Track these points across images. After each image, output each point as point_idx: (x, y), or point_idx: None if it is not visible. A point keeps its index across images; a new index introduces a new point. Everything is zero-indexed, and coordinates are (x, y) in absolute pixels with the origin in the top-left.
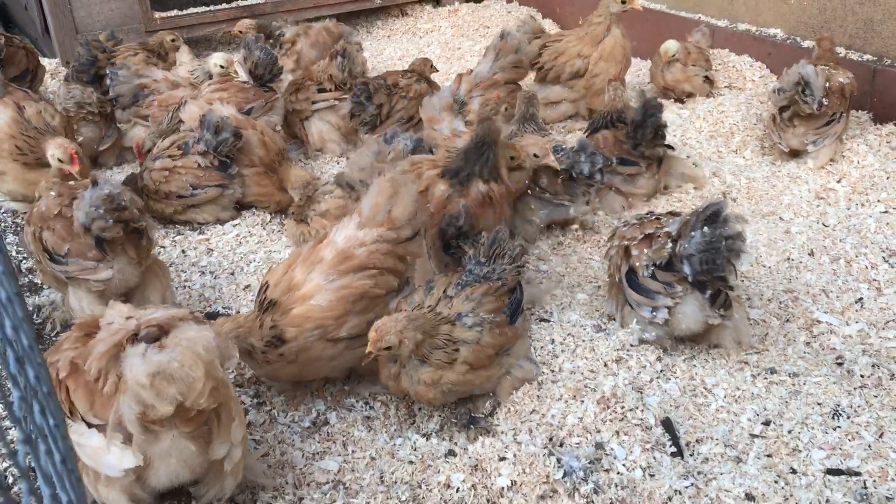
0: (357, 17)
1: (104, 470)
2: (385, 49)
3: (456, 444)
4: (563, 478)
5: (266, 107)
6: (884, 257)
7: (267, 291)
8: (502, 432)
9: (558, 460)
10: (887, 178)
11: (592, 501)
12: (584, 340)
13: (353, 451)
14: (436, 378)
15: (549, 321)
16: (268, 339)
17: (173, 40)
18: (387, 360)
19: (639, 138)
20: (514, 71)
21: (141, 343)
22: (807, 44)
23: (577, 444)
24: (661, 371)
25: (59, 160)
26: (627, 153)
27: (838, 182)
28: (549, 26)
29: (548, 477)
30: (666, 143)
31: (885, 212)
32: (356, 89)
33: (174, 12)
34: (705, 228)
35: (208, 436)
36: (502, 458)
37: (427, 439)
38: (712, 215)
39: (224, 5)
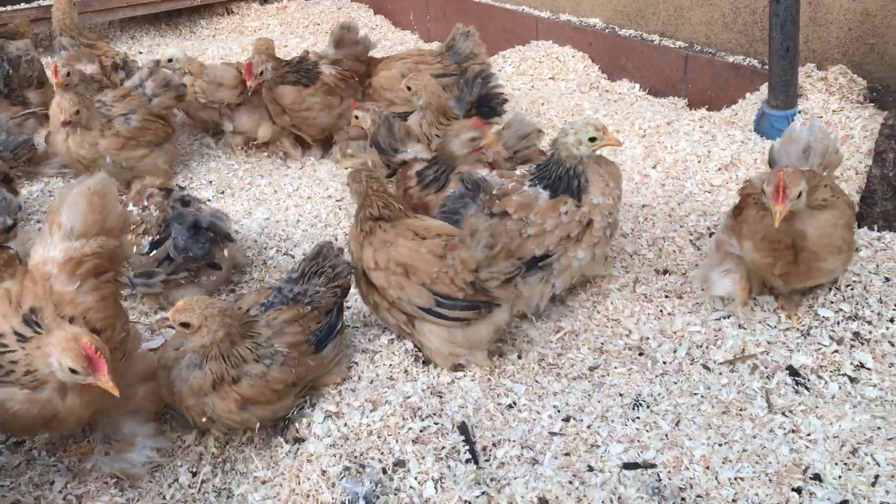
0: (179, 15)
1: None
2: (208, 49)
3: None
4: None
5: (17, 120)
6: (691, 240)
7: None
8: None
9: (344, 490)
10: (698, 161)
11: None
12: (383, 345)
13: None
14: (203, 389)
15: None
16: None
17: None
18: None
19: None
20: (356, 63)
21: None
22: (624, 32)
23: (374, 458)
24: (462, 373)
25: None
26: None
27: (653, 168)
28: (381, 22)
29: None
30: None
31: (692, 193)
32: None
33: None
34: None
35: None
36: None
37: (194, 476)
38: None
39: (23, 4)
